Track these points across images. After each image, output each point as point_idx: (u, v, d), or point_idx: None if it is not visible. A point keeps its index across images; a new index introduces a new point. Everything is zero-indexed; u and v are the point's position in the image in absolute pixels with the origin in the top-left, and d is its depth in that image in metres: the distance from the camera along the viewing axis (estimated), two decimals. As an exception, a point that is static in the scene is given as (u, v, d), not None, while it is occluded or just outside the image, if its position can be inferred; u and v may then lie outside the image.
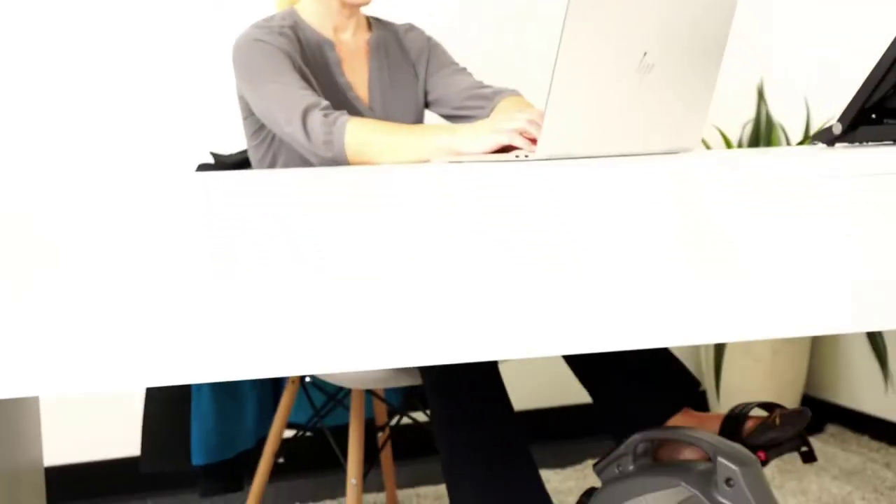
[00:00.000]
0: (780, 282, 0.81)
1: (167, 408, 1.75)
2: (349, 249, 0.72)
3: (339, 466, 2.38)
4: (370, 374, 1.52)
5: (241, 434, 1.82)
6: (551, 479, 2.20)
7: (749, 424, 1.33)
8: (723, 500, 1.24)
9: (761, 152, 0.81)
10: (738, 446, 1.28)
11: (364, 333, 0.72)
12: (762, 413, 1.34)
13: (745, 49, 2.64)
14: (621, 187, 0.77)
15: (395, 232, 0.73)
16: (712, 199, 0.79)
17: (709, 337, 0.81)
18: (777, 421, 1.28)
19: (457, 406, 1.34)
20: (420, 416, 2.28)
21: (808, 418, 1.28)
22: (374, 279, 0.72)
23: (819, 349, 2.56)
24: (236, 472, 1.82)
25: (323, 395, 1.89)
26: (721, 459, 1.24)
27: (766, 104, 2.55)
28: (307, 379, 1.83)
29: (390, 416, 2.00)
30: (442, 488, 2.19)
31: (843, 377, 2.48)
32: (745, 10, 2.63)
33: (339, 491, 2.23)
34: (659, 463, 1.34)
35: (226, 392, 1.79)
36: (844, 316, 0.83)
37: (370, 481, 2.27)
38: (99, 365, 0.68)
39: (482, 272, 0.74)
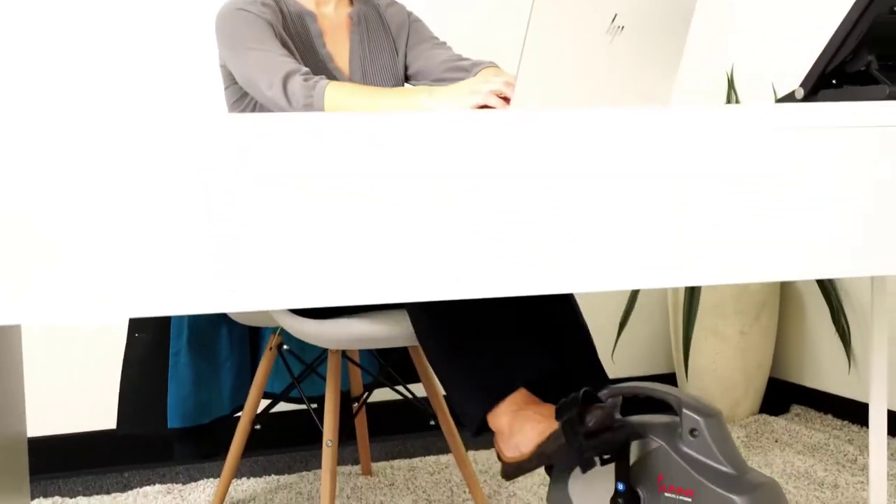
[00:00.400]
0: (752, 229, 0.85)
1: (144, 373, 1.77)
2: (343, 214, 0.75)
3: (314, 442, 2.41)
4: (345, 334, 1.55)
5: (217, 400, 1.85)
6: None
7: None
8: (687, 450, 1.28)
9: (727, 108, 0.86)
10: (701, 399, 1.33)
11: (353, 267, 0.76)
12: None
13: (714, 37, 2.71)
14: (600, 138, 0.82)
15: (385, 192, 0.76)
16: (686, 151, 0.84)
17: (682, 280, 0.85)
18: None
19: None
20: (400, 391, 2.31)
21: None
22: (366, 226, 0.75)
23: (785, 331, 2.63)
24: (212, 439, 1.85)
25: (300, 365, 1.92)
26: (686, 411, 1.29)
27: (735, 92, 2.61)
28: (285, 347, 1.86)
29: (366, 387, 2.03)
30: (416, 461, 2.22)
31: (808, 358, 2.55)
32: None
33: (314, 464, 2.26)
34: (627, 416, 1.38)
35: (203, 359, 1.82)
36: (804, 264, 0.87)
37: (345, 455, 2.30)
38: (89, 301, 0.72)
39: (468, 222, 0.78)
